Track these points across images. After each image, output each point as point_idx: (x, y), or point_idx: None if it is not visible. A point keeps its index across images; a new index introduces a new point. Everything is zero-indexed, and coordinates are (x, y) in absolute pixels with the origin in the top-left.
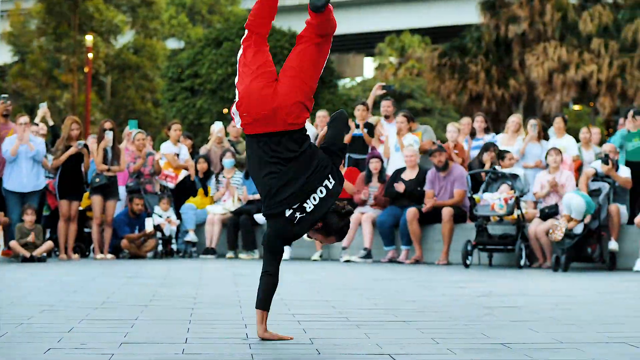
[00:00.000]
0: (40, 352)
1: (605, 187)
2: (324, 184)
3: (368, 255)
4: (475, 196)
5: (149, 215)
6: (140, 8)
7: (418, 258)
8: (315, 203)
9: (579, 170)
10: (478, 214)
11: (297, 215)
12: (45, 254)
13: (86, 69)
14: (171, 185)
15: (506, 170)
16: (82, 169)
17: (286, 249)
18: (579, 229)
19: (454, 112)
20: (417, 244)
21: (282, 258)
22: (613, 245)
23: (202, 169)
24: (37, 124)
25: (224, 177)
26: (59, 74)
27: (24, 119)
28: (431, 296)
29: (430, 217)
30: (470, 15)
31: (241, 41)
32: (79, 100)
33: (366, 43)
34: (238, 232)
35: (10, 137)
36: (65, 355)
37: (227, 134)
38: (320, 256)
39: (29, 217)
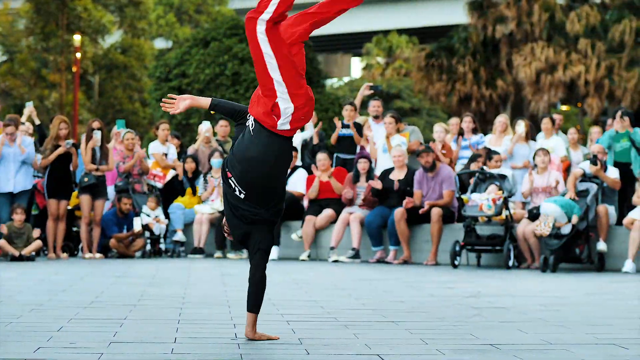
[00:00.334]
0: (30, 350)
1: (593, 187)
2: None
3: (356, 255)
4: (463, 196)
5: (137, 214)
6: (127, 8)
7: (406, 258)
8: None
9: (567, 170)
10: (466, 215)
11: None
12: (34, 253)
13: (74, 69)
14: (159, 184)
15: (494, 171)
16: (71, 168)
17: (274, 249)
18: (567, 230)
19: (442, 112)
20: (405, 244)
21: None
22: (601, 246)
23: (190, 168)
24: (23, 123)
25: (212, 176)
26: (47, 74)
27: (10, 129)
28: (420, 296)
29: (419, 218)
30: (458, 15)
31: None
32: (67, 99)
33: (354, 43)
34: None
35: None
36: (55, 354)
37: (215, 134)
38: (309, 256)
39: (19, 217)
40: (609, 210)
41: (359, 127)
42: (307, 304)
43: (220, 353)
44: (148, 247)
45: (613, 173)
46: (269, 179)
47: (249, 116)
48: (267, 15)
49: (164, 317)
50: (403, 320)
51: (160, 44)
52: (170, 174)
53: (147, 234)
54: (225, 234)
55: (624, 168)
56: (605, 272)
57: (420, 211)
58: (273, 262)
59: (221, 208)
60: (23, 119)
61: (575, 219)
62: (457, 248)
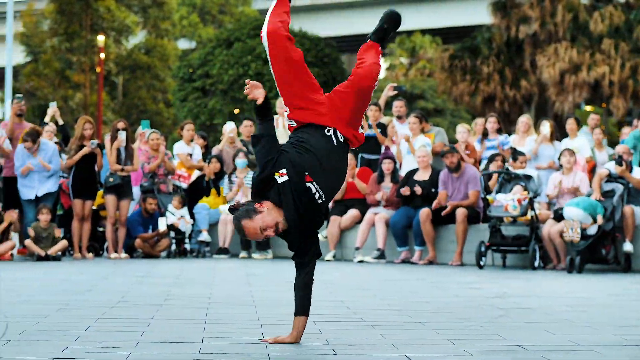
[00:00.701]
0: (59, 350)
1: (619, 188)
2: None
3: (381, 255)
4: (488, 197)
5: (162, 214)
6: (151, 8)
7: (431, 259)
8: None
9: (592, 171)
10: (492, 215)
11: None
12: (59, 253)
13: (98, 69)
14: (184, 185)
15: (520, 171)
16: (96, 168)
17: None
18: (593, 230)
19: (465, 112)
20: (431, 245)
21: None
22: (628, 246)
23: (215, 169)
24: (47, 124)
25: (236, 177)
26: (71, 74)
27: (28, 144)
28: (445, 297)
29: (444, 218)
30: (481, 15)
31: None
32: (91, 100)
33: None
34: None
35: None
36: (83, 353)
37: (239, 134)
38: (334, 256)
39: (44, 217)
40: (635, 211)
41: (383, 128)
42: (333, 304)
43: (247, 353)
44: (173, 247)
45: (639, 173)
46: (335, 186)
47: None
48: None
49: (190, 317)
50: (429, 320)
51: (183, 44)
52: (195, 174)
53: (172, 234)
54: (265, 234)
55: None
56: (631, 273)
57: (443, 212)
58: None
59: None
60: (47, 119)
61: (600, 219)
62: (483, 248)
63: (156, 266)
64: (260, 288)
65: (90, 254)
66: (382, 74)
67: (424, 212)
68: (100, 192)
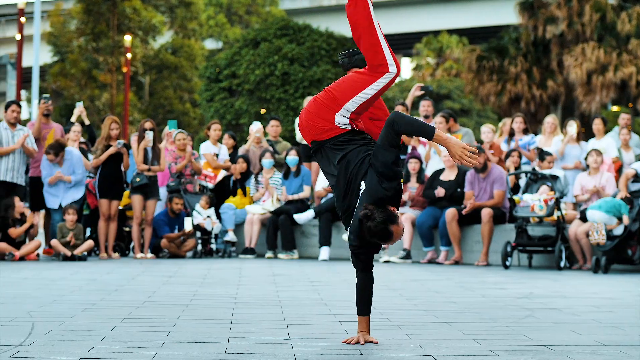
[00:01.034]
0: (85, 350)
1: None
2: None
3: (407, 255)
4: (515, 197)
5: (189, 215)
6: (178, 9)
7: (457, 259)
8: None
9: (619, 171)
10: (518, 215)
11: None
12: (85, 253)
13: (124, 69)
14: (210, 185)
15: (546, 171)
16: (122, 168)
17: (326, 249)
18: (619, 231)
19: (492, 113)
20: (457, 245)
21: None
22: None
23: (241, 169)
24: (73, 123)
25: (263, 177)
26: (98, 74)
27: (51, 157)
28: (471, 297)
29: (470, 218)
30: (508, 15)
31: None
32: (118, 100)
33: (404, 43)
34: (277, 232)
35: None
36: (109, 353)
37: (265, 134)
38: None
39: (70, 217)
40: None
41: None
42: None
43: (273, 353)
44: (199, 247)
45: None
46: None
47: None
48: None
49: (216, 317)
50: (455, 320)
51: (210, 44)
52: (222, 174)
53: (198, 234)
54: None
55: None
56: None
57: (464, 212)
58: (324, 262)
59: (272, 208)
60: (73, 118)
61: (626, 218)
62: (509, 249)
63: (182, 266)
64: (286, 288)
65: (116, 254)
66: (408, 74)
67: (450, 212)
68: (127, 192)
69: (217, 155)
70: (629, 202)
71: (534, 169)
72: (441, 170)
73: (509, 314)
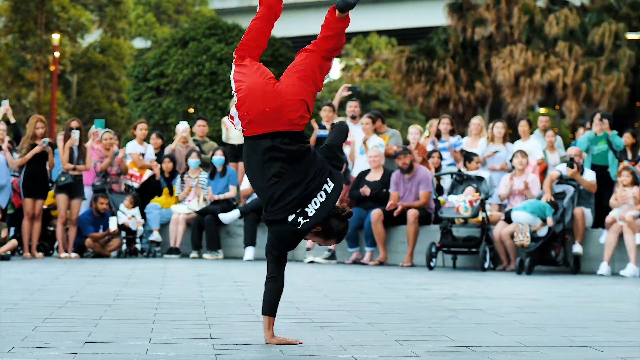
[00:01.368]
0: (4, 350)
1: (570, 190)
2: (323, 188)
3: (332, 256)
4: (440, 198)
5: (114, 214)
6: (107, 7)
7: (382, 260)
8: (316, 207)
9: (544, 173)
10: (443, 216)
11: (300, 220)
12: (9, 252)
13: (52, 68)
14: (136, 184)
15: (471, 173)
16: (47, 167)
17: (250, 249)
18: (543, 232)
19: (420, 114)
20: (382, 246)
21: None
22: (577, 248)
23: (168, 168)
24: None
25: (189, 177)
26: (25, 72)
27: None
28: (395, 298)
29: (395, 219)
30: (437, 17)
31: (233, 63)
32: (45, 98)
33: None
34: (202, 232)
35: None
36: (29, 354)
37: (192, 134)
38: None
39: None
40: (585, 213)
41: None
42: (283, 305)
43: (195, 353)
44: (124, 247)
45: (589, 176)
46: None
47: None
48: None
49: (139, 317)
50: (378, 321)
51: (139, 43)
52: (147, 174)
53: (123, 233)
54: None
55: (601, 171)
56: (580, 275)
57: (395, 213)
58: (249, 262)
59: (197, 208)
60: None
61: (550, 220)
62: (433, 250)
63: (106, 266)
64: (210, 288)
65: (41, 254)
66: (337, 75)
67: (375, 213)
68: (52, 191)
69: (143, 154)
70: (554, 205)
71: (459, 170)
72: (367, 171)
73: (432, 314)
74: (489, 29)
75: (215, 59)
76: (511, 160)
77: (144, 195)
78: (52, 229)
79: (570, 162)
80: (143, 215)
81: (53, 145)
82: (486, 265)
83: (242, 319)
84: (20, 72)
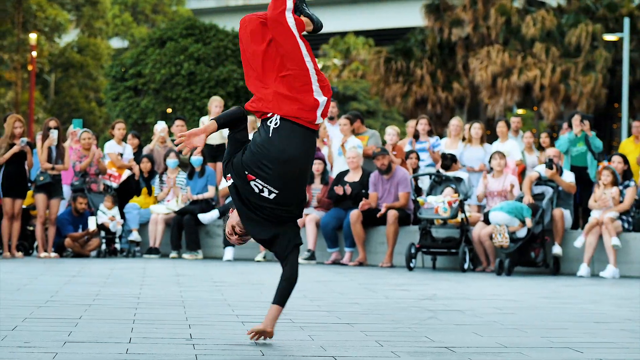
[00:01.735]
0: None
1: (549, 191)
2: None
3: (312, 256)
4: (419, 199)
5: (93, 214)
6: (84, 7)
7: (362, 260)
8: None
9: (522, 174)
10: (422, 217)
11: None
12: None
13: (30, 67)
14: (114, 184)
15: (450, 174)
16: (26, 167)
17: (230, 249)
18: (522, 233)
19: (398, 114)
20: (361, 246)
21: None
22: (557, 249)
23: (146, 168)
24: None
25: (167, 176)
26: (3, 72)
27: None
28: (375, 298)
29: (374, 220)
30: (415, 18)
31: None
32: (23, 98)
33: (311, 44)
34: (182, 232)
35: None
36: (9, 353)
37: (170, 134)
38: (264, 257)
39: None
40: (565, 214)
41: None
42: (263, 305)
43: (175, 353)
44: (103, 246)
45: (569, 177)
46: (305, 175)
47: (274, 116)
48: (290, 4)
49: (119, 317)
50: (358, 322)
51: (116, 43)
52: (126, 173)
53: (102, 233)
54: (233, 239)
55: (580, 172)
56: (560, 276)
57: (378, 214)
58: (229, 262)
59: (176, 208)
60: None
61: (528, 221)
62: (413, 250)
63: (86, 266)
64: (189, 288)
65: (20, 253)
66: None
67: (355, 214)
68: (31, 191)
69: (121, 154)
70: (534, 207)
71: (438, 171)
72: (346, 172)
73: (412, 315)
74: (466, 29)
75: (192, 59)
76: (489, 162)
77: (122, 195)
78: (31, 228)
79: (549, 163)
80: (122, 215)
81: (31, 145)
82: (466, 266)
83: (222, 319)
84: None
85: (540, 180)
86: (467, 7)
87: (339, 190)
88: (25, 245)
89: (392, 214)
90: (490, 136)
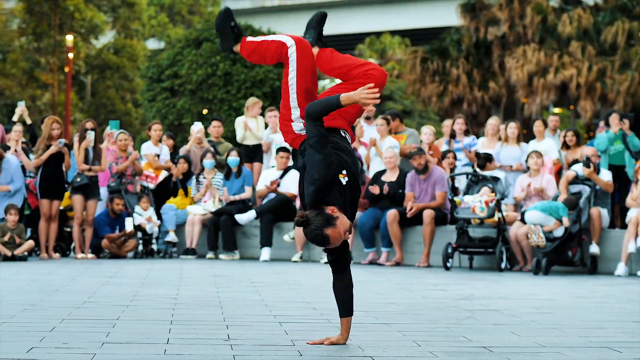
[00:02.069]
0: (23, 351)
1: (586, 190)
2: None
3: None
4: (456, 199)
5: (129, 215)
6: (121, 8)
7: (398, 260)
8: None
9: (559, 173)
10: (459, 217)
11: None
12: (26, 253)
13: (66, 69)
14: (151, 185)
15: (487, 173)
16: (63, 168)
17: (266, 250)
18: (559, 232)
19: (434, 114)
20: (398, 246)
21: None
22: (594, 249)
23: (183, 169)
24: (15, 123)
25: (204, 177)
26: (40, 74)
27: None
28: (412, 298)
29: (411, 220)
30: (450, 17)
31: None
32: (59, 100)
33: (346, 44)
34: (218, 232)
35: None
36: (47, 354)
37: (207, 135)
38: (301, 257)
39: (12, 217)
40: (602, 213)
41: (351, 129)
42: (300, 306)
43: (212, 354)
44: (140, 247)
45: (606, 175)
46: None
47: (343, 131)
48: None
49: (156, 317)
50: (395, 322)
51: (152, 44)
52: (163, 174)
53: (139, 234)
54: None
55: (618, 171)
56: (597, 275)
57: (408, 214)
58: (265, 263)
59: (213, 209)
60: (15, 118)
61: (565, 220)
62: (450, 250)
63: (123, 267)
64: (226, 289)
65: (57, 255)
66: None
67: (392, 214)
68: (68, 192)
69: (158, 155)
70: (573, 201)
71: (475, 171)
72: (383, 171)
73: (449, 315)
74: (502, 28)
75: (229, 59)
76: (526, 161)
77: (160, 196)
78: (68, 229)
79: (587, 162)
80: (159, 217)
81: (69, 146)
82: (503, 265)
83: (259, 320)
84: (34, 73)
85: (577, 179)
86: (503, 6)
87: (374, 189)
88: (63, 247)
89: (428, 214)
90: (526, 135)
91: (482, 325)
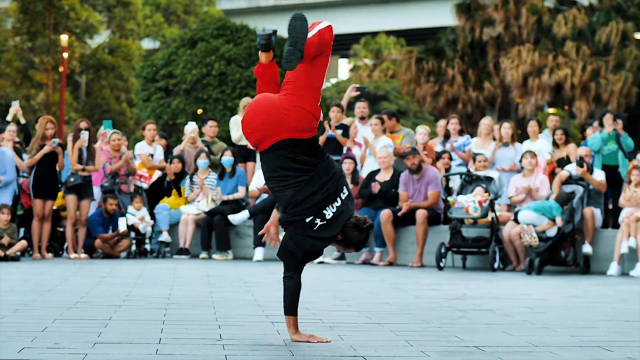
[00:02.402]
0: (14, 351)
1: (579, 190)
2: (339, 195)
3: (342, 256)
4: (449, 198)
5: (123, 215)
6: (116, 8)
7: (392, 260)
8: (334, 211)
9: (552, 173)
10: (452, 217)
11: (317, 222)
12: (19, 253)
13: (61, 69)
14: (145, 185)
15: (480, 173)
16: (57, 168)
17: (260, 249)
18: (552, 232)
19: (429, 114)
20: (391, 246)
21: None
22: (587, 248)
23: (176, 169)
24: (8, 122)
25: (198, 177)
26: (34, 74)
27: None
28: (405, 298)
29: (405, 219)
30: (446, 17)
31: None
32: (54, 99)
33: (341, 44)
34: (212, 232)
35: None
36: (39, 354)
37: (201, 135)
38: None
39: (4, 217)
40: (595, 213)
41: (345, 129)
42: None
43: (205, 354)
44: (133, 247)
45: (599, 175)
46: None
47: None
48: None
49: (148, 317)
50: (388, 322)
51: (147, 44)
52: (156, 174)
53: (132, 234)
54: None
55: (611, 171)
56: (590, 275)
57: (399, 213)
58: (259, 263)
59: (207, 209)
60: (9, 117)
61: (559, 220)
62: (443, 250)
63: (116, 267)
64: (219, 289)
65: (50, 254)
66: (346, 75)
67: (385, 214)
68: (61, 192)
69: (152, 155)
70: (565, 197)
71: (468, 171)
72: (377, 171)
73: (442, 315)
74: (497, 29)
75: (224, 59)
76: (520, 161)
77: (153, 196)
78: (61, 229)
79: (580, 162)
80: (152, 216)
81: (63, 146)
82: (496, 265)
83: (252, 320)
84: (28, 73)
85: (570, 179)
86: (498, 6)
87: (374, 187)
88: (56, 247)
89: (421, 214)
90: (521, 135)
91: (474, 324)
